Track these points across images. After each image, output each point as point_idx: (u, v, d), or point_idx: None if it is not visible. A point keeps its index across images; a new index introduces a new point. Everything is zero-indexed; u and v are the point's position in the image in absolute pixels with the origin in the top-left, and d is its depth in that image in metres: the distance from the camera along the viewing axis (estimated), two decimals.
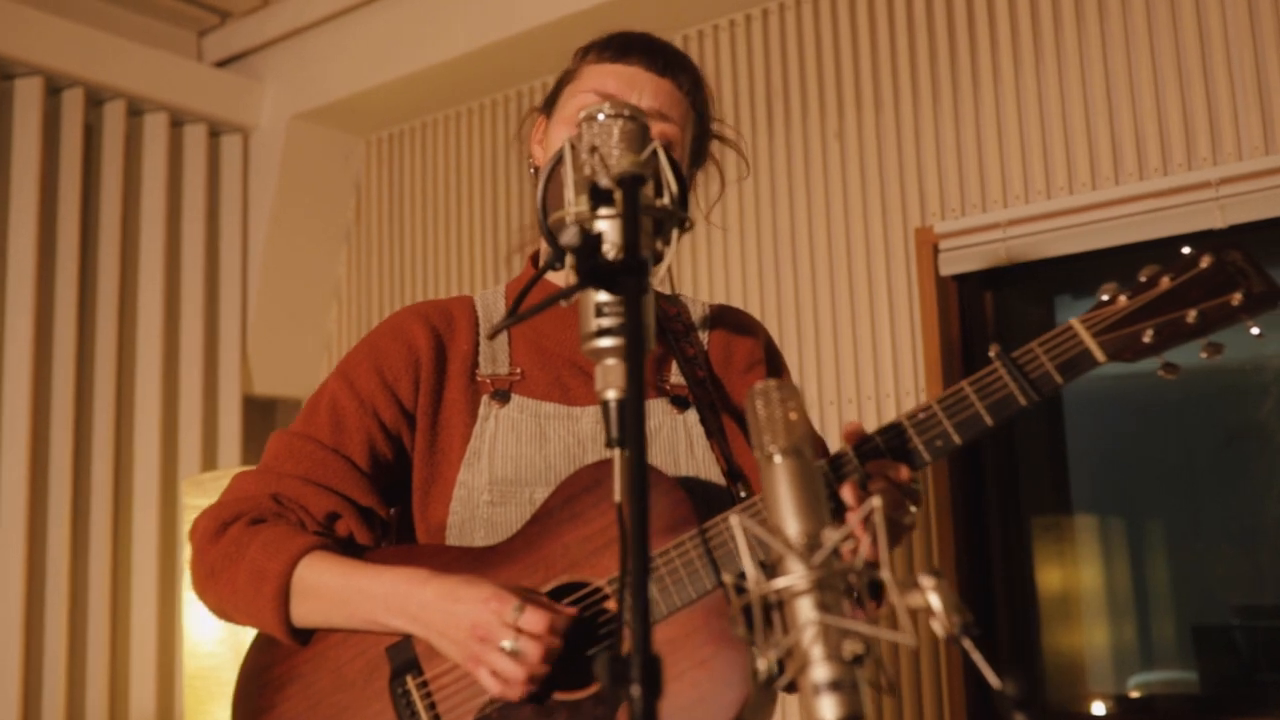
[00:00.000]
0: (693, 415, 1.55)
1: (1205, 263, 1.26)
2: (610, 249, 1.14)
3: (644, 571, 0.92)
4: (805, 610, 0.99)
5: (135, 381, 3.76)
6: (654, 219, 1.22)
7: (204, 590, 1.49)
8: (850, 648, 0.97)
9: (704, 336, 1.65)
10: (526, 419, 1.53)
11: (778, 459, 1.06)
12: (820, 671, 0.96)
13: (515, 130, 3.87)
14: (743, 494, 1.49)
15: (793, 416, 1.09)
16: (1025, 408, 1.29)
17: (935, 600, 1.02)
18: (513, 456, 1.50)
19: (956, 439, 1.30)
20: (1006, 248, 2.95)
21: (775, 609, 1.01)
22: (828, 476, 1.31)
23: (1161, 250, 2.78)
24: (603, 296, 1.17)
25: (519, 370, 1.57)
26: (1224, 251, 1.26)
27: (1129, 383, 3.00)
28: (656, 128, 1.57)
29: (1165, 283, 1.26)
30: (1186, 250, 1.28)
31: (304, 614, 1.44)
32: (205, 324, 3.92)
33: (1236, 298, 1.24)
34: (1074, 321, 1.29)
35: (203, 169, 3.97)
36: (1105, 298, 1.29)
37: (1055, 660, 2.99)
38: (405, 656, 1.42)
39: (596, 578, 1.39)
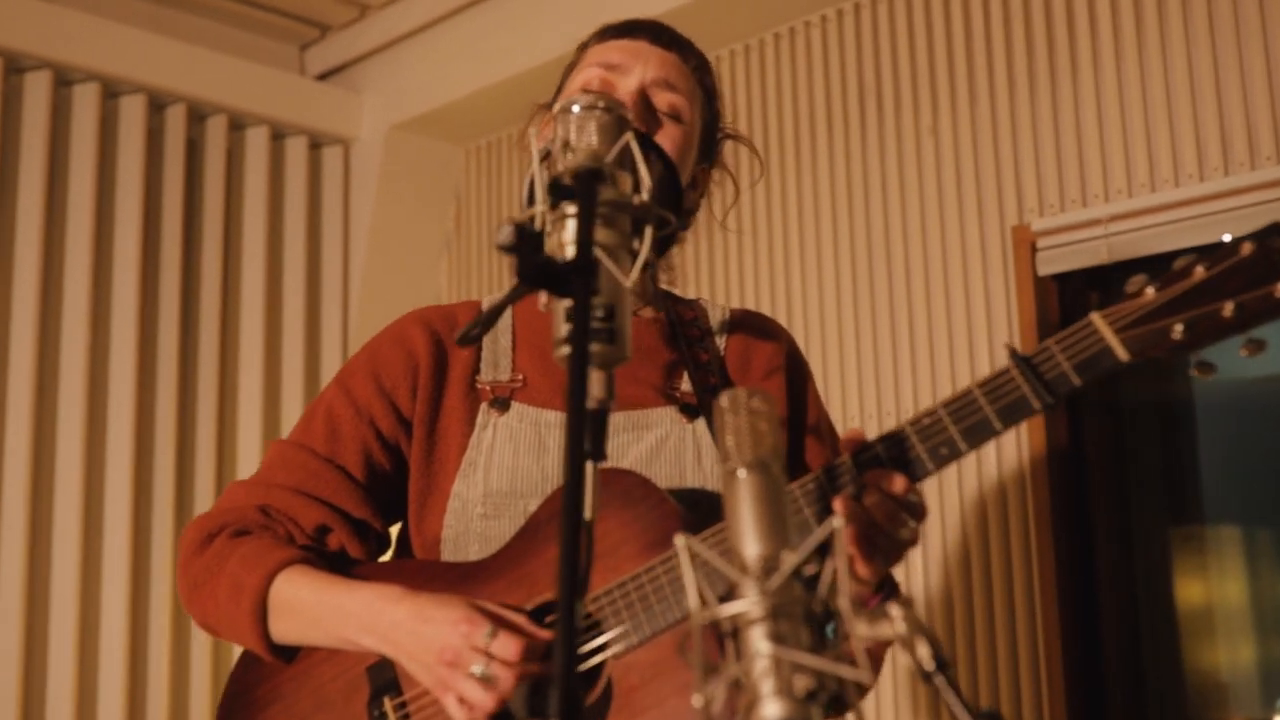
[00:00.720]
0: (702, 424, 1.46)
1: (1246, 250, 1.13)
2: (569, 248, 1.07)
3: (571, 594, 0.85)
4: (756, 640, 0.90)
5: (238, 393, 3.81)
6: (633, 217, 1.14)
7: (189, 603, 1.46)
8: (802, 683, 0.88)
9: (721, 342, 1.57)
10: (526, 428, 1.46)
11: (741, 474, 0.98)
12: (770, 709, 0.87)
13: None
14: None
15: (762, 427, 1.01)
16: (1039, 411, 1.18)
17: (904, 630, 0.93)
18: (509, 467, 1.43)
19: (963, 446, 1.19)
20: (1108, 245, 2.79)
21: (731, 637, 0.92)
22: (823, 487, 1.22)
23: None
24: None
25: (521, 376, 1.51)
26: (1270, 237, 1.13)
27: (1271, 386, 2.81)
28: (664, 98, 1.53)
29: (1199, 273, 1.14)
30: (1227, 237, 1.15)
31: (282, 631, 1.40)
32: (307, 336, 3.95)
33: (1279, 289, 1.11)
34: (1094, 316, 1.17)
35: (303, 182, 4.01)
36: (1132, 290, 1.17)
37: (1195, 680, 2.81)
38: (385, 677, 1.37)
39: None
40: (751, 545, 0.94)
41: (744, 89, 3.51)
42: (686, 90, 1.55)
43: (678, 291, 1.66)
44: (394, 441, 1.50)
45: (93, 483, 3.47)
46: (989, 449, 2.89)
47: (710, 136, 1.62)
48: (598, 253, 1.04)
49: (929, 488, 2.90)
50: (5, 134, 3.46)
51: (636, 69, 1.54)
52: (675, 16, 3.38)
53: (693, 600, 0.91)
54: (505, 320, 1.58)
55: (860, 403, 3.14)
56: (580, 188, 1.03)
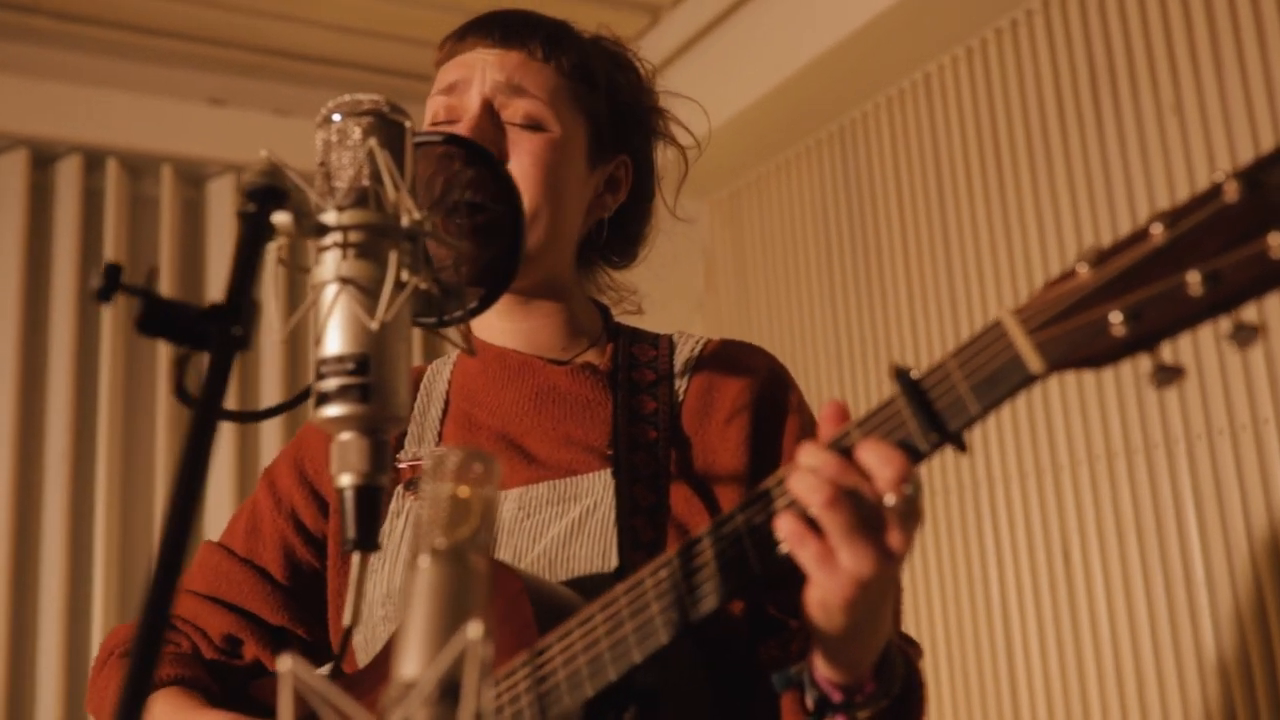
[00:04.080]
0: (609, 492, 1.19)
1: (1231, 193, 0.76)
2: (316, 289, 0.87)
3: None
4: None
5: None
6: (409, 241, 0.92)
7: None
8: None
9: (683, 384, 1.29)
10: None
11: (422, 561, 0.73)
12: None
13: (843, 168, 3.53)
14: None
15: (470, 504, 0.75)
16: (926, 455, 0.85)
17: None
18: (411, 560, 1.21)
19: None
20: None
21: None
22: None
23: None
24: (326, 349, 0.90)
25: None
26: (1269, 171, 0.76)
27: None
28: (513, 106, 1.27)
29: (1157, 234, 0.78)
30: (1219, 176, 0.79)
31: None
32: None
33: (1276, 241, 0.74)
34: (1004, 313, 0.82)
35: None
36: (1063, 273, 0.82)
37: None
38: None
39: None
40: (407, 662, 0.70)
41: (969, 95, 3.15)
42: (544, 88, 1.29)
43: (636, 323, 1.40)
44: (319, 534, 1.32)
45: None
46: None
47: (621, 124, 1.36)
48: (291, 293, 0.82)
49: (1216, 516, 2.43)
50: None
51: (475, 82, 1.29)
52: (880, 23, 3.11)
53: None
54: (440, 387, 1.37)
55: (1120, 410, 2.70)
56: (245, 219, 0.82)
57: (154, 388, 3.39)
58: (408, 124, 0.95)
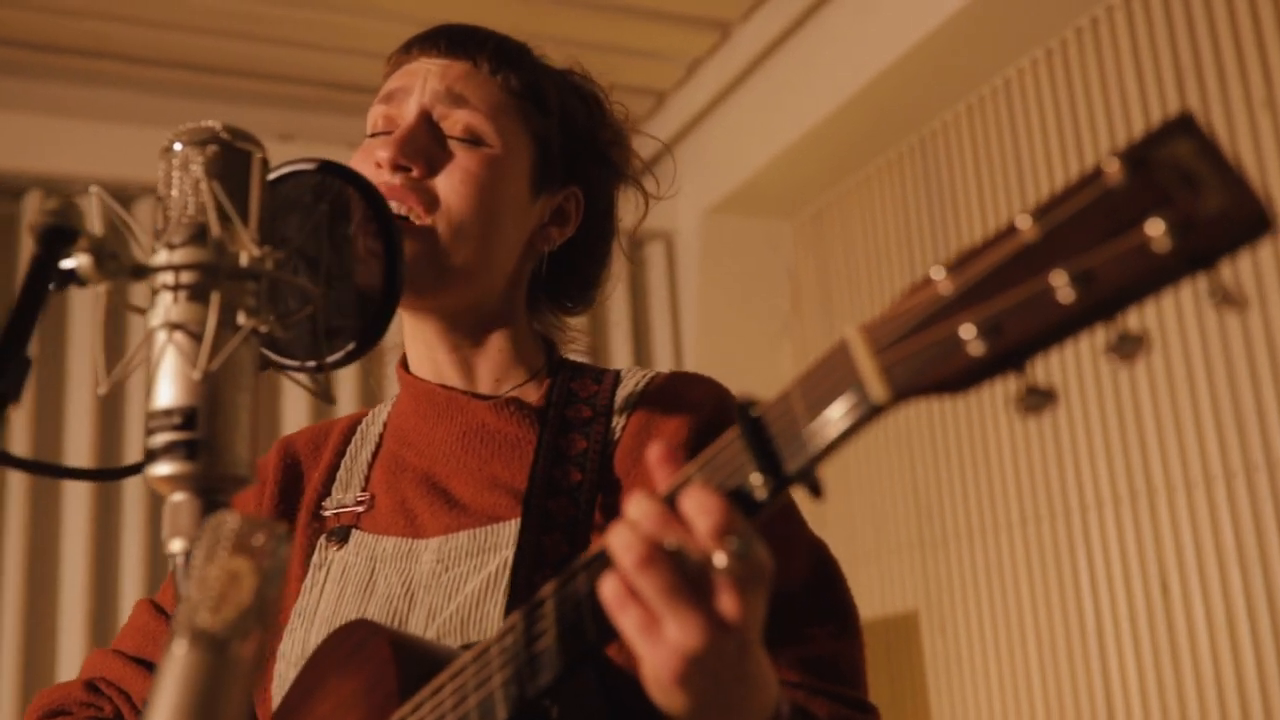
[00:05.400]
0: (512, 543, 1.08)
1: (1114, 174, 0.62)
2: None
3: None
4: None
5: None
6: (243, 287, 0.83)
7: None
8: None
9: (620, 421, 1.17)
10: (361, 563, 1.14)
11: (176, 647, 0.64)
12: None
13: (924, 182, 3.38)
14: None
15: (245, 581, 0.66)
16: (763, 507, 0.72)
17: None
18: (328, 617, 1.11)
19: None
20: None
21: None
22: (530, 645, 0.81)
23: None
24: (155, 401, 0.82)
25: (369, 496, 1.20)
26: (1158, 147, 0.62)
27: None
28: (452, 118, 1.18)
29: (1025, 229, 0.65)
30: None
31: None
32: None
33: (1155, 229, 0.60)
34: (851, 330, 0.69)
35: (624, 283, 3.88)
36: (923, 278, 0.69)
37: None
38: None
39: None
40: None
41: (1051, 99, 2.97)
42: (486, 101, 1.19)
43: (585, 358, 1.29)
44: None
45: None
46: None
47: (573, 153, 1.26)
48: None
49: None
50: None
51: (415, 91, 1.19)
52: (954, 26, 2.94)
53: None
54: (375, 429, 1.28)
55: None
56: (32, 264, 0.74)
57: None
58: (258, 153, 0.87)
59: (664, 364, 3.87)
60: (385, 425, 1.27)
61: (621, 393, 1.19)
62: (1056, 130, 2.94)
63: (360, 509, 1.19)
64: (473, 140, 1.17)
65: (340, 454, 1.27)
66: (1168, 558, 2.60)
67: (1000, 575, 3.01)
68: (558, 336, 1.30)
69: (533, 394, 1.21)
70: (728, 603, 0.72)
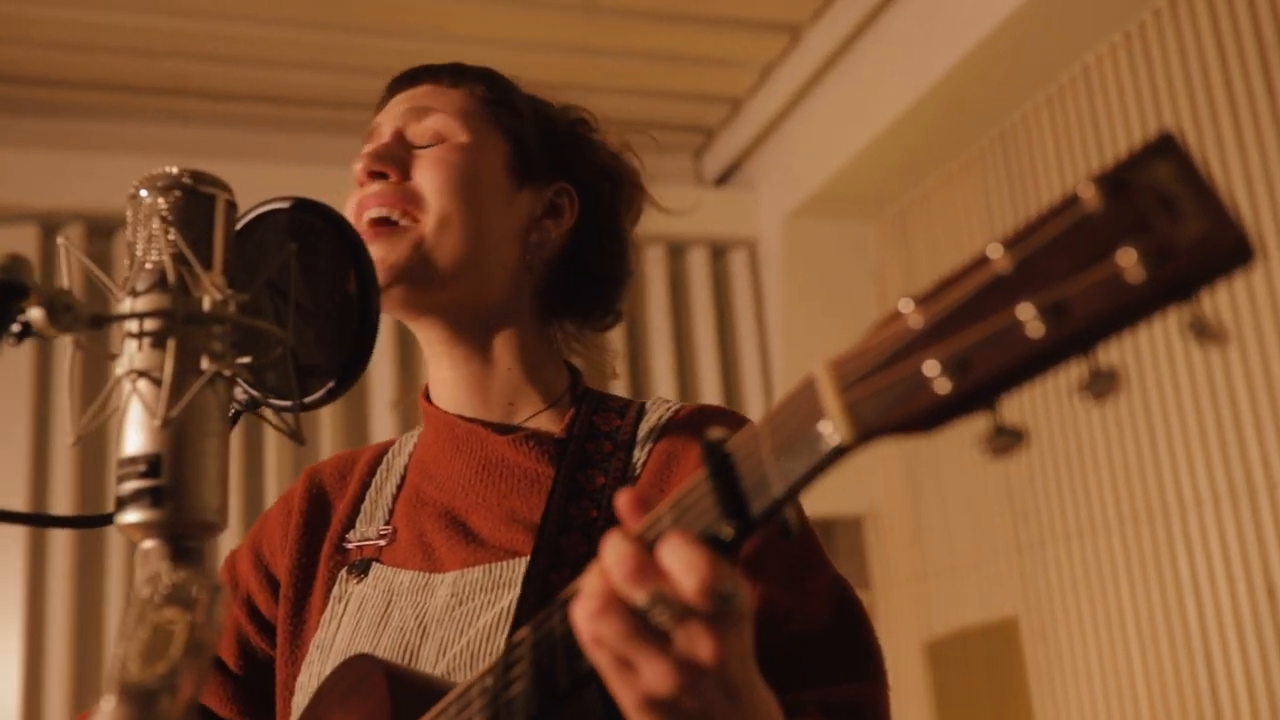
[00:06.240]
0: (519, 579, 1.06)
1: (1090, 200, 0.58)
2: None
3: None
4: None
5: None
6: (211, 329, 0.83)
7: None
8: None
9: (642, 454, 1.15)
10: (378, 596, 1.13)
11: (104, 703, 0.63)
12: None
13: (1006, 176, 3.29)
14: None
15: (163, 620, 0.65)
16: (731, 547, 0.69)
17: None
18: (344, 650, 1.11)
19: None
20: None
21: None
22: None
23: None
24: (123, 449, 0.82)
25: (391, 529, 1.19)
26: (1137, 167, 0.58)
27: None
28: (418, 129, 1.21)
29: (997, 259, 0.61)
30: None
31: None
32: None
33: (1127, 259, 0.56)
34: (819, 367, 0.66)
35: (708, 290, 3.85)
36: (893, 311, 0.66)
37: None
38: None
39: None
40: None
41: (1131, 84, 2.87)
42: (451, 105, 1.22)
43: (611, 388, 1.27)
44: (273, 621, 1.24)
45: None
46: None
47: (554, 148, 1.26)
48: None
49: None
50: None
51: (387, 122, 1.24)
52: (1028, 13, 2.85)
53: None
54: (401, 460, 1.28)
55: None
56: None
57: None
58: (223, 196, 0.87)
59: (752, 374, 3.83)
60: (410, 457, 1.27)
61: (644, 426, 1.17)
62: (1139, 116, 2.84)
63: (383, 542, 1.19)
64: (442, 141, 1.21)
65: (366, 485, 1.27)
66: (1272, 558, 2.49)
67: (1100, 577, 2.91)
68: (591, 359, 1.29)
69: (554, 424, 1.20)
70: (703, 646, 0.70)
